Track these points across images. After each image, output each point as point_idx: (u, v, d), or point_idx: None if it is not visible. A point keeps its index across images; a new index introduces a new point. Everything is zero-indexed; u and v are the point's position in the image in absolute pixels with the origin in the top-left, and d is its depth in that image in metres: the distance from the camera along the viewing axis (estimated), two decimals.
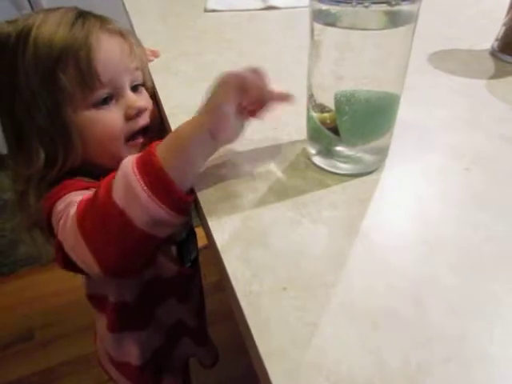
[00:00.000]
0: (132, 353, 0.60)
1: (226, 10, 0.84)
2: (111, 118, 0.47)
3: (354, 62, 0.32)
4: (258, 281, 0.29)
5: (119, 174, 0.34)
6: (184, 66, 0.60)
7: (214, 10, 0.84)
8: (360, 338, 0.25)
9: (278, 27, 0.79)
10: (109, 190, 0.33)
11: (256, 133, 0.44)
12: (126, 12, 0.86)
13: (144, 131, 0.50)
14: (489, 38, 0.62)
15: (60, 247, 0.39)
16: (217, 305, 1.13)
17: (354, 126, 0.35)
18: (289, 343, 0.25)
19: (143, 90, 0.53)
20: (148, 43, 0.66)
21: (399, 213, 0.34)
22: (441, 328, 0.25)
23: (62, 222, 0.39)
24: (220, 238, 0.32)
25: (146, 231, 0.34)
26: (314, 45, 0.34)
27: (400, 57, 0.32)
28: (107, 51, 0.46)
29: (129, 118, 0.48)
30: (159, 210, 0.33)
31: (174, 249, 0.59)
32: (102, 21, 0.47)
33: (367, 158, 0.38)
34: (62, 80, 0.42)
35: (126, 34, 0.50)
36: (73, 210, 0.37)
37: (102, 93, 0.46)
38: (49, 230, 0.43)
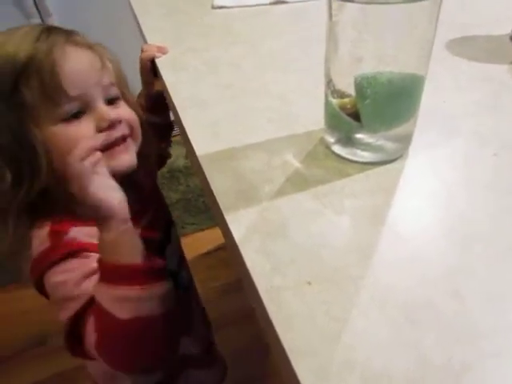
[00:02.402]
0: None
1: (234, 6, 0.83)
2: (79, 131, 0.44)
3: (373, 42, 0.30)
4: (279, 275, 0.27)
5: (102, 301, 0.37)
6: (192, 62, 0.59)
7: (221, 7, 0.83)
8: (395, 332, 0.23)
9: (287, 21, 0.77)
10: (112, 317, 0.36)
11: (270, 124, 0.42)
12: (133, 11, 0.85)
13: (123, 141, 0.47)
14: (507, 23, 0.60)
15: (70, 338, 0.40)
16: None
17: (376, 110, 0.33)
18: (317, 340, 0.23)
19: (122, 103, 0.50)
20: (155, 41, 0.65)
21: (426, 201, 0.32)
22: (484, 321, 0.23)
23: (87, 338, 0.38)
24: (237, 231, 0.30)
25: (156, 315, 0.38)
26: (332, 26, 0.32)
27: (424, 34, 0.30)
28: (74, 64, 0.43)
29: (100, 130, 0.45)
30: (158, 288, 0.38)
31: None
32: (69, 34, 0.45)
33: (390, 145, 0.36)
34: (24, 94, 0.40)
35: (96, 48, 0.47)
36: (90, 332, 0.38)
37: (71, 107, 0.43)
38: (37, 287, 0.43)
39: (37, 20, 1.47)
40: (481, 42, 0.57)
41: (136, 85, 0.66)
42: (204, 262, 1.34)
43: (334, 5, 0.30)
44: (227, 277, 1.28)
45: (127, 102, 0.52)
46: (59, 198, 0.43)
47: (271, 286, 0.26)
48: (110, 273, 0.38)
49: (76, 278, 0.40)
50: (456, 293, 0.25)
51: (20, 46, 0.41)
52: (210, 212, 0.44)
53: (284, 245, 0.29)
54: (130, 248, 0.39)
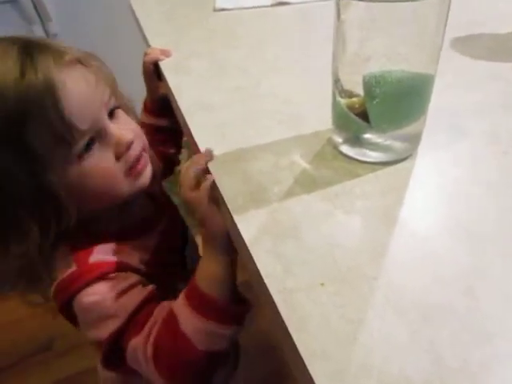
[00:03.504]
0: None
1: (235, 8, 0.83)
2: (102, 164, 0.41)
3: (382, 41, 0.30)
4: (291, 276, 0.26)
5: (188, 327, 0.37)
6: (196, 65, 0.59)
7: (223, 9, 0.83)
8: (411, 333, 0.22)
9: (289, 23, 0.77)
10: (189, 343, 0.37)
11: (277, 125, 0.42)
12: (134, 15, 0.85)
13: (138, 158, 0.45)
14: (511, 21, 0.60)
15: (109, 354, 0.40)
16: None
17: (384, 109, 0.33)
18: (332, 343, 0.23)
19: (120, 112, 0.46)
20: (158, 44, 0.65)
21: (438, 200, 0.32)
22: (499, 321, 0.23)
23: (130, 352, 0.39)
24: (247, 232, 0.30)
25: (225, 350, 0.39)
26: (339, 25, 0.32)
27: (433, 32, 0.30)
28: (76, 93, 0.37)
29: (120, 156, 0.42)
30: (238, 329, 0.40)
31: None
32: (55, 55, 0.37)
33: (399, 145, 0.35)
34: (31, 143, 0.35)
35: (85, 60, 0.41)
36: (138, 344, 0.39)
37: (83, 141, 0.39)
38: (64, 312, 0.42)
39: (38, 25, 1.47)
40: (486, 41, 0.57)
41: (140, 89, 0.67)
42: None
43: (342, 3, 0.30)
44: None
45: (123, 107, 0.48)
46: (76, 222, 0.42)
47: (284, 287, 0.26)
48: (207, 305, 0.38)
49: (111, 296, 0.40)
50: (471, 292, 0.24)
51: (4, 83, 0.34)
52: None
53: (295, 246, 0.29)
54: (229, 284, 0.40)
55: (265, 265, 0.27)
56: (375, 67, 0.31)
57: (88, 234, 0.44)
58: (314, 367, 0.21)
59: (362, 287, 0.25)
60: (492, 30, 0.60)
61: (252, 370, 1.04)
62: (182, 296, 0.40)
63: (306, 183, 0.34)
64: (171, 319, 0.38)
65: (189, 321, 0.37)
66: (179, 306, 0.39)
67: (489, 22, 0.62)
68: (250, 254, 0.28)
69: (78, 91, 0.38)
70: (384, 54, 0.31)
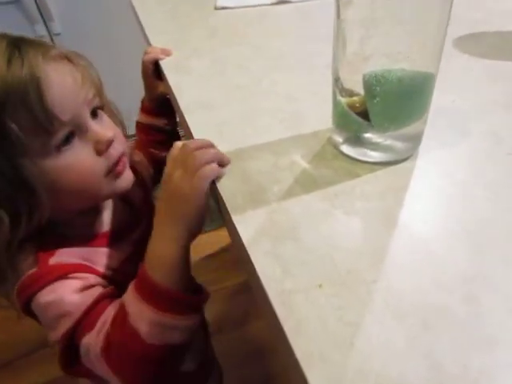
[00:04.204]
0: None
1: (237, 6, 0.83)
2: (80, 158, 0.40)
3: (382, 39, 0.30)
4: (289, 278, 0.26)
5: (136, 317, 0.35)
6: (196, 64, 0.58)
7: (224, 8, 0.82)
8: (409, 339, 0.22)
9: (290, 21, 0.76)
10: (137, 336, 0.34)
11: (276, 125, 0.42)
12: (135, 14, 0.85)
13: (118, 160, 0.45)
14: None
15: (65, 352, 0.38)
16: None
17: (385, 108, 0.32)
18: (329, 346, 0.22)
19: (102, 113, 0.46)
20: (159, 43, 0.65)
21: (439, 202, 0.31)
22: (500, 328, 0.22)
23: (83, 351, 0.38)
24: (245, 233, 0.30)
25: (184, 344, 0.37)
26: (339, 23, 0.31)
27: (436, 31, 0.29)
28: (59, 85, 0.38)
29: (100, 153, 0.42)
30: (195, 320, 0.37)
31: None
32: (43, 49, 0.39)
33: (399, 145, 0.35)
34: (10, 128, 0.35)
35: (72, 58, 0.42)
36: (91, 340, 0.37)
37: (63, 133, 0.39)
38: (26, 312, 0.41)
39: (40, 25, 1.48)
40: (490, 39, 0.56)
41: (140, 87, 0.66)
42: (208, 264, 1.34)
43: (342, 2, 0.30)
44: (232, 279, 1.28)
45: (106, 109, 0.48)
46: (47, 222, 0.41)
47: (282, 289, 0.25)
48: (158, 296, 0.35)
49: (67, 294, 0.38)
50: (472, 297, 0.24)
51: None
52: (213, 214, 0.43)
53: (294, 247, 0.28)
54: (186, 270, 0.37)
55: (263, 266, 0.27)
56: (376, 66, 0.31)
57: (56, 238, 0.43)
58: (310, 370, 0.21)
59: (361, 290, 0.25)
60: (497, 28, 0.59)
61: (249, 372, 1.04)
62: (131, 286, 0.37)
63: (306, 183, 0.34)
64: (121, 312, 0.36)
65: (138, 313, 0.35)
66: (129, 297, 0.36)
67: (494, 20, 0.62)
68: (248, 255, 0.28)
69: (62, 84, 0.39)
70: (385, 52, 0.30)
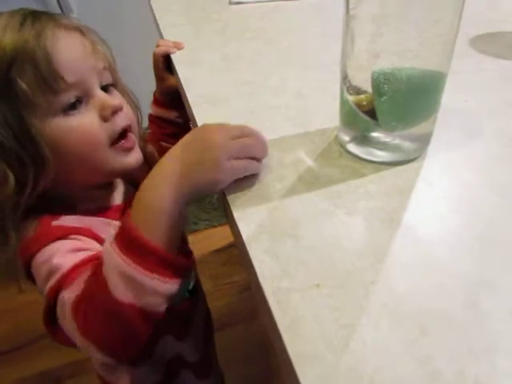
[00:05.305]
0: None
1: (251, 1, 0.82)
2: (85, 122, 0.41)
3: (392, 37, 0.29)
4: (287, 276, 0.26)
5: (107, 266, 0.32)
6: (208, 57, 0.58)
7: (238, 3, 0.82)
8: (406, 343, 0.22)
9: (303, 17, 0.76)
10: (105, 287, 0.31)
11: (284, 121, 0.41)
12: (151, 7, 0.85)
13: (125, 134, 0.45)
14: None
15: (49, 314, 0.36)
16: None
17: (393, 107, 0.31)
18: (323, 346, 0.22)
19: (114, 90, 0.47)
20: (172, 37, 0.65)
21: (445, 204, 0.30)
22: (501, 336, 0.22)
23: (59, 306, 0.35)
24: (246, 229, 0.29)
25: (156, 310, 0.32)
26: (349, 20, 0.31)
27: (447, 29, 0.28)
28: (67, 49, 0.40)
29: (105, 119, 0.42)
30: (169, 286, 0.32)
31: None
32: (56, 18, 0.42)
33: (407, 145, 0.34)
34: (20, 85, 0.37)
35: (85, 31, 0.44)
36: (67, 295, 0.34)
37: (69, 96, 0.40)
38: (28, 276, 0.40)
39: None
40: (507, 39, 0.55)
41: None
42: (216, 258, 1.34)
43: None
44: (240, 273, 1.28)
45: (119, 89, 0.49)
46: (59, 197, 0.42)
47: (278, 287, 0.25)
48: (133, 243, 0.31)
49: (62, 252, 0.37)
50: (473, 304, 0.23)
51: (4, 35, 0.38)
52: (222, 209, 0.43)
53: (294, 245, 0.28)
54: (172, 231, 0.33)
55: (261, 264, 0.27)
56: (385, 64, 0.30)
57: (60, 208, 0.42)
58: (302, 369, 0.21)
59: (359, 292, 0.24)
60: None
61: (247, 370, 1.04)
62: (111, 234, 0.34)
63: (310, 181, 0.33)
64: (98, 263, 0.33)
65: (110, 260, 0.31)
66: (107, 242, 0.33)
67: (511, 20, 0.60)
68: (247, 251, 0.28)
69: (70, 47, 0.41)
70: (394, 50, 0.30)
